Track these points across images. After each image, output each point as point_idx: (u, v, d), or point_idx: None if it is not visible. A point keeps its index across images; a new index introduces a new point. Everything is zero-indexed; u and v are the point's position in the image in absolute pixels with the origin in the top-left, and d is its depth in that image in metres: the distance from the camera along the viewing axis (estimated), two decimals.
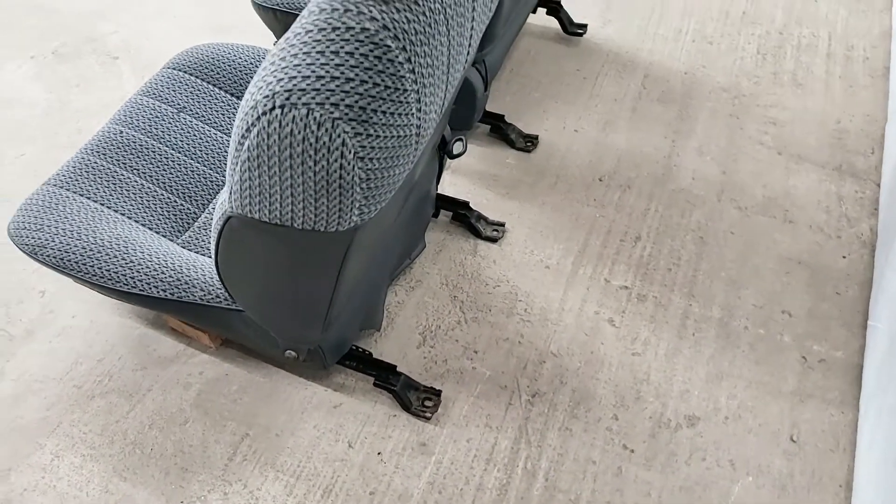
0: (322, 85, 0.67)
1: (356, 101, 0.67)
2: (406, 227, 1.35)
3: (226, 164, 1.35)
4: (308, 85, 0.66)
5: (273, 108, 0.67)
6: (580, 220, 1.60)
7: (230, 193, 0.80)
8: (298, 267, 0.90)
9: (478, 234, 1.57)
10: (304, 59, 0.67)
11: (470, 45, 0.90)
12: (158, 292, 1.12)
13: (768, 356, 1.37)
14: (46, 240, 1.16)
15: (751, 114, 1.82)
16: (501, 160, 1.74)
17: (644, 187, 1.67)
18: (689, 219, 1.60)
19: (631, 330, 1.41)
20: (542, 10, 2.02)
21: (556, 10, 2.00)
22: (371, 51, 0.68)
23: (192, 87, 1.45)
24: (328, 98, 0.67)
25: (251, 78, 1.43)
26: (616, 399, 1.31)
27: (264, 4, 1.60)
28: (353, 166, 0.71)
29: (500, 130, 1.77)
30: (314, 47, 0.67)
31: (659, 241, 1.56)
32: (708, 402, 1.31)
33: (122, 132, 1.36)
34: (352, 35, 0.67)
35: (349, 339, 1.26)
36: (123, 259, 1.14)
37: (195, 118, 1.41)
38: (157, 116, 1.40)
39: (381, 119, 0.70)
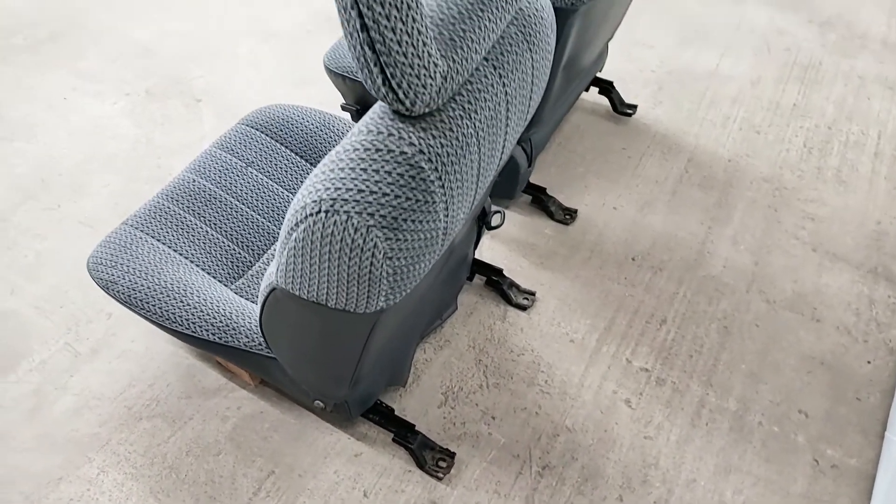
0: (362, 197, 0.78)
1: (389, 212, 0.78)
2: (441, 289, 1.45)
3: (283, 218, 1.49)
4: (350, 196, 0.78)
5: (319, 211, 0.79)
6: (609, 298, 1.67)
7: (277, 269, 0.91)
8: (329, 336, 1.01)
9: (509, 301, 1.65)
10: (349, 174, 0.78)
11: (503, 152, 1.00)
12: (208, 335, 1.24)
13: (780, 455, 1.40)
14: (118, 277, 1.31)
15: (790, 207, 1.86)
16: (540, 230, 1.82)
17: (675, 271, 1.72)
18: (715, 307, 1.65)
19: (646, 412, 1.47)
20: (594, 89, 2.12)
21: (608, 90, 2.09)
22: (407, 171, 0.78)
23: (262, 144, 1.59)
24: (365, 209, 0.77)
25: (315, 141, 1.58)
26: (623, 480, 1.37)
27: (335, 70, 1.74)
28: (382, 264, 0.81)
29: (541, 202, 1.86)
30: (359, 164, 0.79)
31: (684, 326, 1.61)
32: (713, 495, 1.35)
33: (194, 181, 1.51)
34: (391, 157, 0.78)
35: (374, 394, 1.36)
36: (181, 301, 1.27)
37: (261, 173, 1.56)
38: (227, 169, 1.54)
39: (410, 226, 0.80)
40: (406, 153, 0.79)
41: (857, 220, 1.83)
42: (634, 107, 2.12)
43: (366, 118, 0.84)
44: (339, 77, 1.75)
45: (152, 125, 2.13)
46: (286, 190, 1.55)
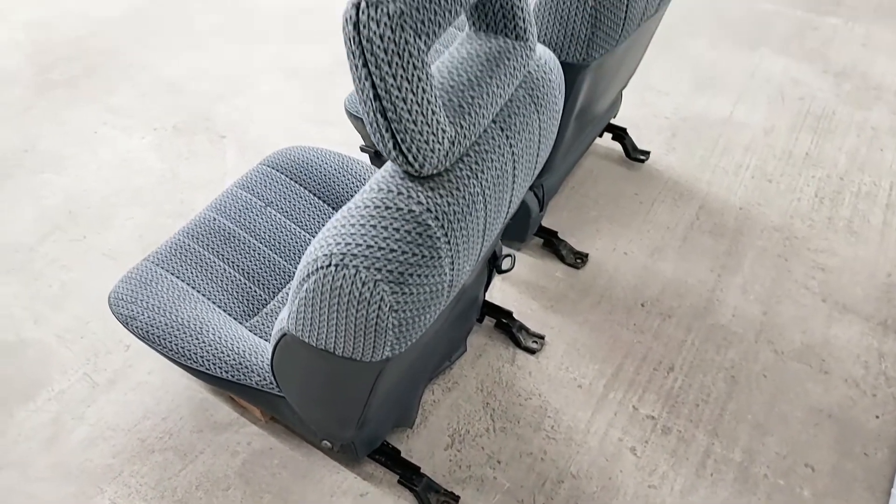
0: (370, 252, 0.81)
1: (396, 268, 0.82)
2: (450, 330, 1.48)
3: (298, 257, 1.53)
4: (359, 251, 0.81)
5: (329, 265, 0.82)
6: (618, 343, 1.69)
7: (289, 315, 0.95)
8: (337, 381, 1.04)
9: (518, 344, 1.68)
10: (359, 230, 0.82)
11: (510, 207, 1.04)
12: (221, 372, 1.28)
13: None
14: (137, 312, 1.35)
15: (800, 257, 1.87)
16: (550, 273, 1.85)
17: (684, 318, 1.74)
18: (723, 356, 1.66)
19: (651, 461, 1.47)
20: (608, 134, 2.16)
21: (621, 136, 2.13)
22: (414, 228, 0.82)
23: (282, 185, 1.65)
24: (373, 263, 0.81)
25: (333, 183, 1.63)
26: None
27: (354, 114, 1.80)
28: (388, 317, 0.84)
29: (553, 245, 1.89)
30: (368, 220, 0.83)
31: (691, 374, 1.62)
32: None
33: (215, 219, 1.56)
34: (400, 214, 0.82)
35: (381, 436, 1.38)
36: (197, 338, 1.31)
37: (279, 213, 1.61)
38: (247, 208, 1.59)
39: (416, 281, 0.84)
40: (414, 211, 0.83)
41: (867, 271, 1.83)
42: (647, 153, 2.15)
43: (377, 176, 0.88)
44: (359, 120, 1.80)
45: (178, 160, 2.20)
46: (303, 230, 1.59)
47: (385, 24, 0.72)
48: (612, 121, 2.19)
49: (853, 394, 1.58)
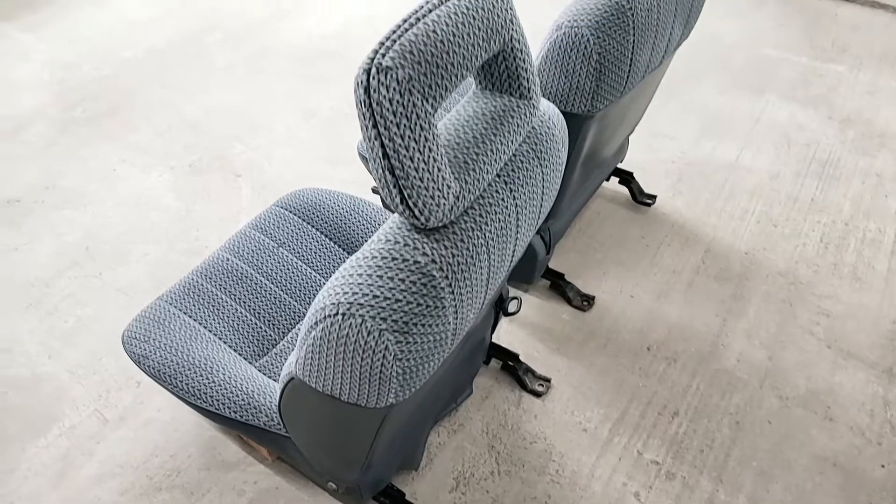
0: (376, 302, 0.84)
1: (401, 317, 0.85)
2: (457, 372, 1.50)
3: (309, 297, 1.56)
4: (365, 301, 0.85)
5: (336, 314, 0.86)
6: (623, 387, 1.70)
7: (297, 360, 0.98)
8: (342, 425, 1.06)
9: (524, 387, 1.69)
10: (366, 280, 0.86)
11: (513, 256, 1.07)
12: (230, 412, 1.30)
13: None
14: (150, 352, 1.38)
15: (805, 302, 1.88)
16: (557, 315, 1.87)
17: (689, 362, 1.75)
18: (728, 401, 1.66)
19: None
20: (615, 178, 2.19)
21: (628, 180, 2.16)
22: (419, 279, 0.85)
23: (294, 226, 1.69)
24: (379, 313, 0.84)
25: (344, 224, 1.67)
26: None
27: (367, 157, 1.85)
28: (392, 365, 0.87)
29: (559, 287, 1.91)
30: (375, 271, 0.86)
31: (696, 419, 1.63)
32: None
33: (228, 259, 1.60)
34: (405, 265, 0.85)
35: (386, 478, 1.40)
36: (207, 378, 1.34)
37: (291, 254, 1.64)
38: (259, 248, 1.63)
39: (420, 330, 0.86)
40: (419, 262, 0.86)
41: (872, 318, 1.84)
42: (654, 197, 2.18)
43: (385, 227, 0.92)
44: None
45: (193, 198, 2.25)
46: (314, 270, 1.63)
47: (394, 89, 0.76)
48: (619, 165, 2.23)
49: (858, 442, 1.58)
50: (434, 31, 0.80)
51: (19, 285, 1.93)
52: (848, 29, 3.14)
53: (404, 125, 0.78)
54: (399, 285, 0.85)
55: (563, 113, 1.46)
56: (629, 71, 1.45)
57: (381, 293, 0.85)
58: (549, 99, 1.46)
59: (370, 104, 0.77)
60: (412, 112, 0.78)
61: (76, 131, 2.53)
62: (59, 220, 2.15)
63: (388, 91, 0.76)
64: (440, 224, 0.88)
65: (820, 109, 2.61)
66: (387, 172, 0.81)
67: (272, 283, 1.57)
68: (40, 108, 2.63)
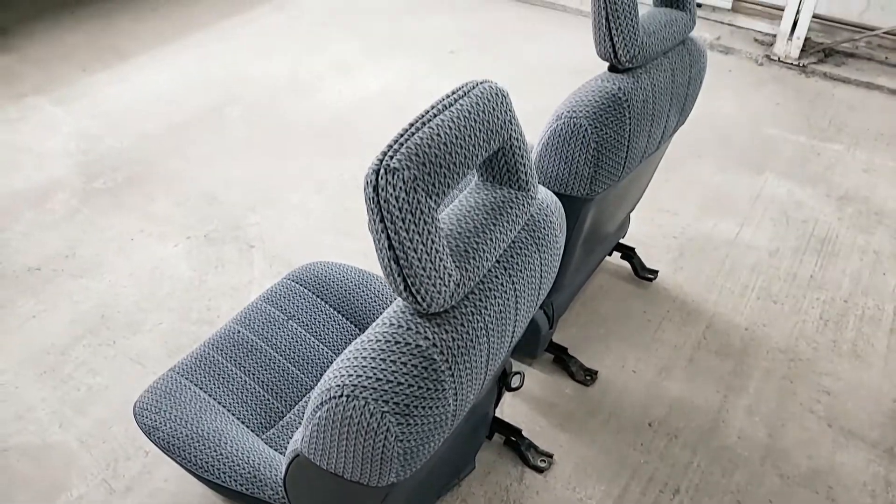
0: (379, 385, 0.89)
1: (402, 400, 0.89)
2: (459, 447, 1.52)
3: (316, 370, 1.61)
4: (369, 384, 0.89)
5: (341, 395, 0.90)
6: (625, 464, 1.71)
7: (303, 438, 1.01)
8: (345, 502, 1.09)
9: (526, 462, 1.70)
10: (370, 363, 0.91)
11: (513, 338, 1.12)
12: (237, 485, 1.33)
13: None
14: (160, 423, 1.42)
15: (805, 379, 1.90)
16: (560, 390, 1.90)
17: (690, 439, 1.76)
18: (729, 479, 1.67)
19: None
20: (617, 253, 2.25)
21: (629, 255, 2.22)
22: (420, 363, 0.90)
23: (304, 299, 1.74)
24: (381, 396, 0.89)
25: (353, 298, 1.72)
26: None
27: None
28: (393, 446, 0.91)
29: (563, 361, 1.95)
30: (378, 354, 0.91)
31: (697, 497, 1.63)
32: None
33: (239, 332, 1.65)
34: (408, 349, 0.91)
35: None
36: (215, 450, 1.37)
37: (301, 326, 1.69)
38: (269, 321, 1.69)
39: (421, 412, 0.91)
40: (421, 346, 0.91)
41: (872, 396, 1.86)
42: (655, 272, 2.23)
43: (389, 311, 0.97)
44: None
45: (207, 268, 2.32)
46: (322, 343, 1.67)
47: (401, 188, 0.83)
48: (621, 240, 2.29)
49: None
50: (438, 135, 0.87)
51: (35, 352, 1.99)
52: (844, 109, 3.25)
53: (409, 220, 0.84)
54: (401, 368, 0.90)
55: (564, 196, 1.53)
56: (626, 157, 1.52)
57: (385, 376, 0.90)
58: (549, 183, 1.53)
59: (378, 201, 0.84)
60: (416, 208, 0.84)
61: (97, 201, 2.63)
62: (76, 288, 2.22)
63: (394, 190, 0.83)
64: (441, 309, 0.93)
65: (818, 187, 2.68)
66: (391, 262, 0.87)
67: (281, 356, 1.62)
68: (65, 178, 2.75)
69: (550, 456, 1.72)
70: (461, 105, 0.92)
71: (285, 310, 1.71)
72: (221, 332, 1.64)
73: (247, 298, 2.18)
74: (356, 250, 2.37)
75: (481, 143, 0.93)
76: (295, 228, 2.51)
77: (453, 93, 0.94)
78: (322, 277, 1.78)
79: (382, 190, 0.83)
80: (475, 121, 0.92)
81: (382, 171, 0.83)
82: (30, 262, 2.31)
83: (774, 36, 3.69)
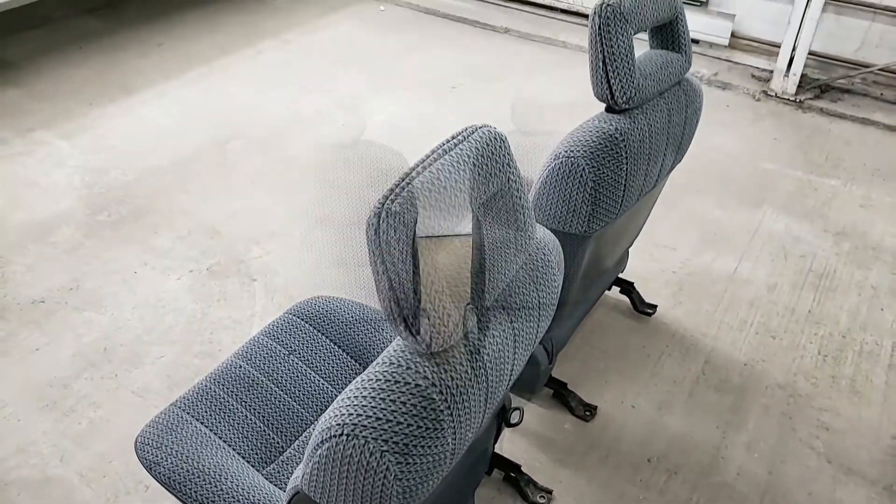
0: (378, 424, 0.90)
1: (401, 439, 0.90)
2: (458, 485, 1.52)
3: (317, 404, 1.61)
4: (369, 423, 0.91)
5: (342, 434, 0.91)
6: (624, 500, 1.70)
7: (303, 475, 1.02)
8: None
9: (525, 498, 1.70)
10: (370, 402, 0.92)
11: (511, 375, 1.13)
12: None
13: None
14: (161, 458, 1.43)
15: (804, 415, 1.91)
16: (559, 425, 1.90)
17: (689, 475, 1.76)
18: None
19: None
20: (616, 288, 2.27)
21: (629, 290, 2.24)
22: (419, 402, 0.92)
23: (305, 334, 1.76)
24: (381, 435, 0.90)
25: (353, 333, 1.73)
26: None
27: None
28: (392, 485, 0.92)
29: (562, 396, 1.95)
30: (378, 393, 0.92)
31: None
32: None
33: (240, 366, 1.66)
34: (407, 388, 0.92)
35: None
36: (215, 487, 1.38)
37: (301, 361, 1.71)
38: (270, 355, 1.70)
39: (420, 451, 0.92)
40: (420, 385, 0.92)
41: (871, 433, 1.86)
42: (654, 306, 2.25)
43: (390, 349, 0.99)
44: None
45: (209, 301, 2.34)
46: (322, 378, 1.68)
47: (401, 230, 0.85)
48: (620, 275, 2.30)
49: None
50: (438, 179, 0.90)
51: (38, 385, 1.99)
52: (841, 144, 3.29)
53: (409, 262, 0.86)
54: (400, 408, 0.91)
55: (562, 233, 1.55)
56: (623, 196, 1.55)
57: (384, 415, 0.91)
58: (548, 220, 1.56)
59: (379, 243, 0.87)
60: (416, 251, 0.86)
61: (101, 234, 2.65)
62: (79, 321, 2.24)
63: (395, 232, 0.85)
64: (441, 349, 0.95)
65: (815, 222, 2.71)
66: (392, 303, 0.89)
67: (282, 391, 1.63)
68: (69, 212, 2.78)
69: (550, 492, 1.71)
70: (461, 150, 0.95)
71: (286, 344, 1.73)
72: (223, 367, 1.66)
73: (248, 332, 2.19)
74: (357, 285, 2.39)
75: (480, 187, 0.96)
76: (296, 261, 2.53)
77: (453, 137, 0.97)
78: (323, 312, 1.80)
79: (384, 233, 0.86)
80: (474, 165, 0.95)
81: (384, 214, 0.86)
82: (34, 295, 2.33)
83: (771, 72, 3.75)
